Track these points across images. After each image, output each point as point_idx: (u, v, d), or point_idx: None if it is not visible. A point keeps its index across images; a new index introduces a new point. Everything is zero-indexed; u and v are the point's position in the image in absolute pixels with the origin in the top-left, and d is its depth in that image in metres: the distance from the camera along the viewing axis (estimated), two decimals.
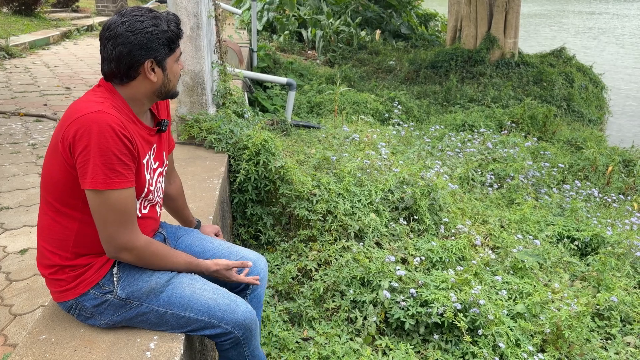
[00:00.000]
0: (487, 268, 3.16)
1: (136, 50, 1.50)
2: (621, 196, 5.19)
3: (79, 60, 8.50)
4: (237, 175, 3.29)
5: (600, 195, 5.02)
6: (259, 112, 5.76)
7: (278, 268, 3.04)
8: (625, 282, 3.32)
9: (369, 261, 2.81)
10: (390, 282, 2.64)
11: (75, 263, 1.57)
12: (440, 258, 2.99)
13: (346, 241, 3.06)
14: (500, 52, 10.88)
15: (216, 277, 1.78)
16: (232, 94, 4.10)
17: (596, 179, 5.54)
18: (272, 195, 3.37)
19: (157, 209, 1.77)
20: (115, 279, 1.59)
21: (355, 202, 3.31)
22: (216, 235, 2.11)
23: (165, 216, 2.10)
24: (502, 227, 3.94)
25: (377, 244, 3.21)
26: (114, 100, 1.53)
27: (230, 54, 6.50)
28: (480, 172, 4.99)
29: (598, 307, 2.85)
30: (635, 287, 3.39)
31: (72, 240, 1.55)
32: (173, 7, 3.22)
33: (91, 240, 1.56)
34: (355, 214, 3.23)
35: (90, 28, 12.37)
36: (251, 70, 8.45)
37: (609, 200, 4.93)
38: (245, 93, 6.17)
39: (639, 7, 50.74)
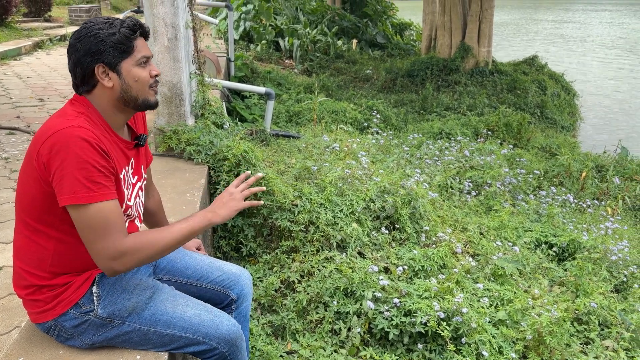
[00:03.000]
0: (469, 275, 3.19)
1: (83, 57, 1.49)
2: (595, 201, 5.31)
3: (52, 70, 8.34)
4: (217, 186, 3.26)
5: (575, 200, 5.12)
6: (238, 122, 5.73)
7: (260, 280, 3.02)
8: (602, 286, 3.39)
9: (352, 271, 2.80)
10: (374, 292, 2.64)
11: (53, 283, 1.53)
12: (423, 267, 3.01)
13: (329, 251, 3.06)
14: (475, 60, 11.09)
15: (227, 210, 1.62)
16: (211, 104, 4.07)
17: (571, 184, 5.66)
18: (254, 207, 3.34)
19: (137, 223, 1.74)
20: (95, 298, 1.55)
21: (337, 212, 3.30)
22: (198, 249, 2.08)
23: None
24: (481, 234, 3.99)
25: (360, 253, 3.21)
26: (89, 114, 1.51)
27: (208, 64, 6.46)
28: (458, 180, 5.04)
29: (577, 312, 2.90)
30: (611, 291, 3.46)
31: (49, 259, 1.51)
32: (150, 18, 3.19)
33: (69, 259, 1.52)
34: (337, 224, 3.23)
35: (63, 38, 12.16)
36: (229, 80, 8.42)
37: (584, 205, 5.04)
38: (224, 103, 6.14)
39: (603, 16, 52.36)
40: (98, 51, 1.49)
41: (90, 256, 1.46)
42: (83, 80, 1.52)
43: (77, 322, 1.54)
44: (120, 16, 10.54)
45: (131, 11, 11.37)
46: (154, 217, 2.00)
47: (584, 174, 5.59)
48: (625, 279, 3.75)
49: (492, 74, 10.88)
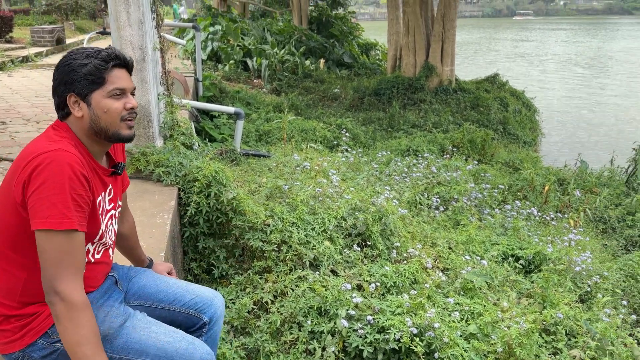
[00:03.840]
0: (439, 290, 3.24)
1: (58, 86, 1.53)
2: (558, 214, 5.48)
3: (15, 92, 8.13)
4: (187, 208, 3.23)
5: (539, 213, 5.28)
6: (207, 142, 5.71)
7: (233, 302, 2.98)
8: (568, 296, 3.49)
9: (325, 290, 2.81)
10: (347, 310, 2.65)
11: (21, 312, 1.48)
12: (394, 283, 3.04)
13: (302, 270, 3.06)
14: (439, 79, 11.39)
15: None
16: (179, 125, 4.06)
17: (534, 198, 5.84)
18: (225, 227, 3.32)
19: (110, 252, 1.72)
20: None
21: (309, 231, 3.32)
22: (169, 273, 2.06)
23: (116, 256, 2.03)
24: (450, 248, 4.06)
25: (333, 271, 3.22)
26: (70, 139, 1.51)
27: (176, 85, 6.43)
28: (426, 196, 5.14)
29: (545, 323, 2.98)
30: (577, 302, 3.57)
31: (20, 288, 1.47)
32: (117, 40, 3.17)
33: (39, 288, 1.48)
34: (310, 242, 3.24)
35: (25, 59, 11.89)
36: (197, 100, 8.38)
37: (548, 218, 5.20)
38: (192, 123, 6.11)
39: (559, 35, 54.71)
40: (70, 81, 1.51)
41: None
42: (59, 107, 1.56)
43: (46, 352, 1.50)
44: (86, 37, 10.41)
45: (96, 32, 11.24)
46: (127, 242, 1.98)
47: (546, 188, 5.78)
48: (589, 289, 3.88)
49: (456, 92, 11.20)
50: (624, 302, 3.94)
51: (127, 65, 1.60)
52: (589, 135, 13.51)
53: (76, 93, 1.51)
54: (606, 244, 5.24)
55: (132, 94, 1.61)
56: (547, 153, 10.14)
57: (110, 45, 1.87)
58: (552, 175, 6.17)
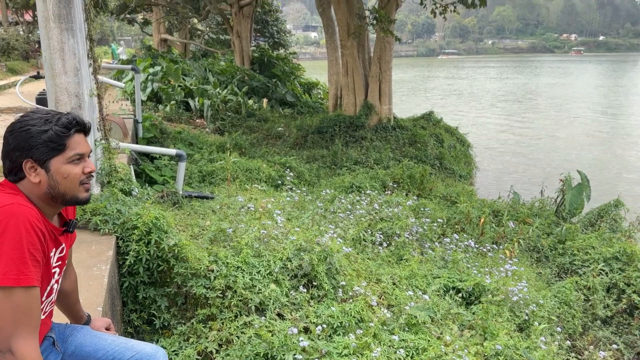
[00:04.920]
0: (385, 327, 3.28)
1: (12, 150, 1.48)
2: (494, 245, 5.73)
3: None
4: (126, 257, 3.13)
5: (476, 245, 5.50)
6: (148, 186, 5.58)
7: (176, 354, 2.89)
8: (507, 326, 3.63)
9: (272, 335, 2.78)
10: (294, 355, 2.63)
11: None
12: (341, 323, 3.06)
13: (247, 316, 3.02)
14: (378, 117, 11.80)
15: None
16: (117, 171, 3.97)
17: (471, 230, 6.09)
18: (166, 275, 3.24)
19: (53, 311, 1.68)
20: None
21: (254, 274, 3.29)
22: (107, 329, 1.99)
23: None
24: (394, 284, 4.14)
25: (279, 315, 3.20)
26: (23, 198, 1.49)
27: (114, 128, 6.30)
28: (370, 232, 5.24)
29: (486, 355, 3.08)
30: (515, 331, 3.72)
31: None
32: (52, 88, 3.10)
33: None
34: (255, 286, 3.21)
35: None
36: (137, 142, 8.22)
37: (484, 250, 5.42)
38: (132, 166, 5.97)
39: (489, 72, 58.30)
40: (27, 147, 1.47)
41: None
42: (11, 171, 1.50)
43: None
44: (19, 81, 10.03)
45: (30, 76, 10.87)
46: (68, 298, 1.91)
47: (482, 220, 6.04)
48: (527, 317, 4.05)
49: (395, 129, 11.62)
50: (559, 329, 4.13)
51: (86, 130, 1.59)
52: (520, 167, 14.33)
53: (34, 159, 1.48)
54: (540, 272, 5.51)
55: (89, 157, 1.60)
56: (482, 186, 10.65)
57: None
58: (486, 208, 6.47)
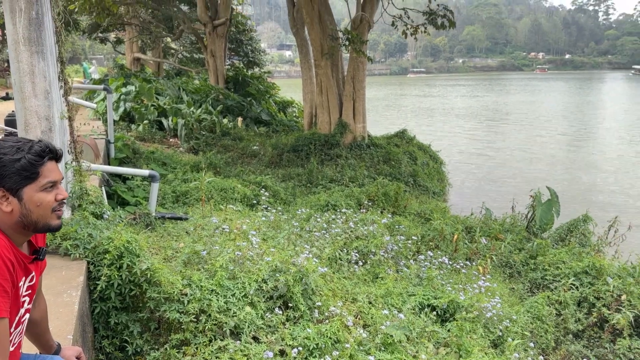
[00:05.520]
0: (361, 347, 3.28)
1: None
2: (468, 262, 5.81)
3: None
4: (97, 282, 3.07)
5: (450, 262, 5.57)
6: (120, 207, 5.49)
7: None
8: (481, 343, 3.67)
9: (247, 359, 2.76)
10: None
11: None
12: (317, 345, 3.05)
13: (222, 340, 2.98)
14: (352, 135, 11.92)
15: None
16: (89, 194, 3.90)
17: (445, 246, 6.16)
18: (139, 300, 3.18)
19: (22, 341, 1.63)
20: None
21: (229, 297, 3.26)
22: (78, 358, 1.94)
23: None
24: (370, 303, 4.15)
25: (255, 338, 3.17)
26: None
27: (85, 150, 6.20)
28: (346, 251, 5.25)
29: None
30: (490, 347, 3.76)
31: None
32: (22, 111, 3.05)
33: None
34: (230, 309, 3.18)
35: None
36: (109, 162, 8.11)
37: (458, 266, 5.49)
38: (103, 188, 5.88)
39: (459, 90, 59.62)
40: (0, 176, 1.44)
41: None
42: None
43: None
44: None
45: (0, 98, 10.64)
46: (37, 327, 1.86)
47: (455, 237, 6.13)
48: (501, 333, 4.11)
49: (369, 147, 11.75)
50: (532, 344, 4.20)
51: (58, 157, 1.57)
52: (492, 183, 14.61)
53: (6, 188, 1.45)
54: (513, 288, 5.60)
55: (60, 183, 1.58)
56: (455, 202, 10.81)
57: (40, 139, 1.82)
58: (459, 224, 6.57)
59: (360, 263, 5.10)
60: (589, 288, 5.15)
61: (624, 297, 4.86)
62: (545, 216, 7.89)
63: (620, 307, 4.75)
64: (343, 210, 7.08)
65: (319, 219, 6.50)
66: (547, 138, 23.97)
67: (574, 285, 5.26)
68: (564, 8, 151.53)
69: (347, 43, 11.35)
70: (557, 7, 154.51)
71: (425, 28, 12.45)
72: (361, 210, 7.06)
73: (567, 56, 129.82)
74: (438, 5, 11.96)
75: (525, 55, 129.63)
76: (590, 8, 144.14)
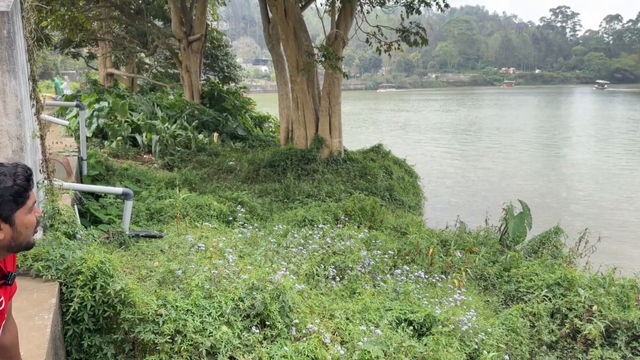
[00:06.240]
0: None
1: None
2: (443, 275, 5.88)
3: None
4: (70, 304, 3.01)
5: (426, 276, 5.63)
6: (93, 226, 5.39)
7: None
8: (457, 356, 3.71)
9: None
10: None
11: None
12: None
13: None
14: (329, 150, 11.99)
15: None
16: (61, 213, 3.83)
17: (421, 260, 6.23)
18: (113, 321, 3.13)
19: None
20: None
21: (205, 317, 3.23)
22: None
23: None
24: (347, 319, 4.16)
25: (232, 358, 3.14)
26: None
27: (57, 168, 6.09)
28: (323, 267, 5.26)
29: None
30: None
31: None
32: None
33: None
34: (206, 329, 3.15)
35: None
36: (81, 180, 7.96)
37: (434, 280, 5.55)
38: (76, 206, 5.77)
39: (433, 105, 60.63)
40: None
41: None
42: None
43: None
44: None
45: None
46: (7, 353, 1.83)
47: (431, 250, 6.20)
48: (476, 346, 4.16)
49: (345, 162, 11.83)
50: (507, 357, 4.26)
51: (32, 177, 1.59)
52: (466, 196, 14.84)
53: (2, 217, 1.46)
54: (488, 301, 5.68)
55: None
56: (430, 216, 10.94)
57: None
58: (435, 238, 6.65)
59: (338, 278, 5.11)
60: (562, 299, 5.27)
61: (595, 307, 4.98)
62: (518, 229, 8.05)
63: (592, 318, 4.86)
64: (320, 225, 7.09)
65: (296, 235, 6.49)
66: (518, 152, 24.52)
67: (547, 296, 5.37)
68: (532, 24, 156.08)
69: (322, 59, 11.48)
70: (527, 23, 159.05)
71: (399, 45, 12.68)
72: (338, 225, 7.08)
73: (537, 71, 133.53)
74: (411, 22, 12.21)
75: (497, 70, 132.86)
76: (558, 24, 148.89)
